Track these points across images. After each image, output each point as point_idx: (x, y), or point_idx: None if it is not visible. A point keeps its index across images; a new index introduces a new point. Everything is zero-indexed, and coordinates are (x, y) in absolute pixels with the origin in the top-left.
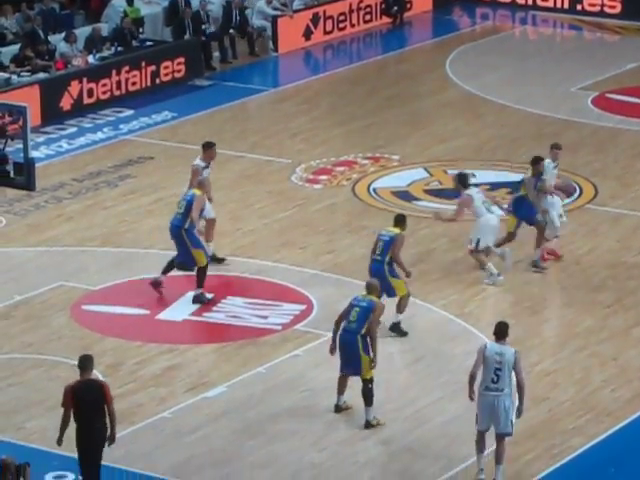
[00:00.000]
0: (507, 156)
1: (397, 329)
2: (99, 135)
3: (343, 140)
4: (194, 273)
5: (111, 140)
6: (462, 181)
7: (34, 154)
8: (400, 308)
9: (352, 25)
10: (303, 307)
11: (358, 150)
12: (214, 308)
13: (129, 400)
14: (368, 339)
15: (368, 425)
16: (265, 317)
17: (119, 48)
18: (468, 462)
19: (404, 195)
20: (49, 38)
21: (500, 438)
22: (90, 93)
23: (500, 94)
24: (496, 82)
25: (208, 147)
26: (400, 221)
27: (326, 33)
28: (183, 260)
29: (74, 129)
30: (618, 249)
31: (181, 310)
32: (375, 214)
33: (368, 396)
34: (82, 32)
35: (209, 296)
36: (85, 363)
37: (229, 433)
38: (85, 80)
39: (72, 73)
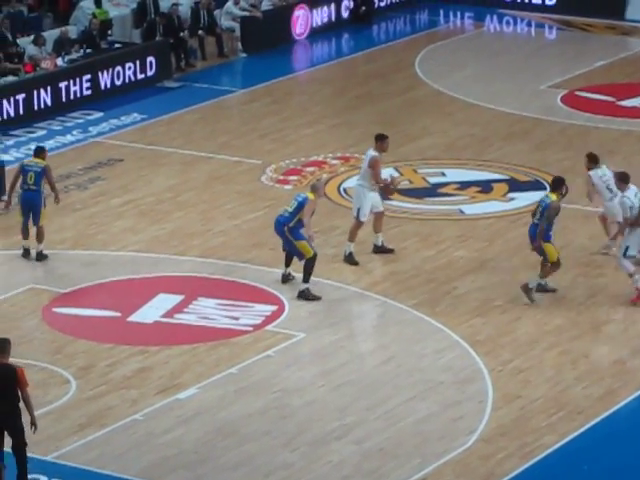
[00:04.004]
0: (477, 154)
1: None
2: (68, 138)
3: (313, 140)
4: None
5: (81, 142)
6: None
7: (3, 157)
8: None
9: (320, 25)
10: (274, 308)
11: (328, 150)
12: (185, 309)
13: (101, 402)
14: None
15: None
16: (236, 318)
17: (88, 50)
18: (441, 461)
19: None
20: (17, 41)
21: None
22: (59, 96)
23: (469, 92)
24: (465, 80)
25: (382, 139)
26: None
27: (295, 34)
28: (291, 252)
29: (43, 132)
30: (589, 246)
31: (152, 312)
32: (345, 213)
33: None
34: (50, 35)
35: (317, 295)
36: (1, 346)
37: (201, 434)
38: (54, 83)
39: (41, 76)
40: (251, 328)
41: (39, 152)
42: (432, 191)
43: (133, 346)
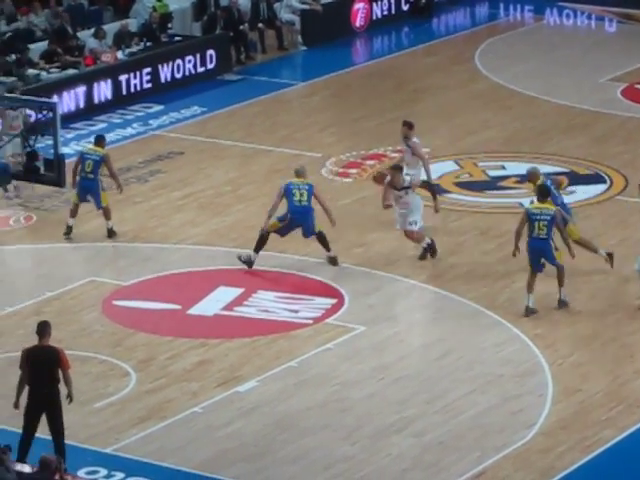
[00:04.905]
0: (536, 148)
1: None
2: (129, 131)
3: (373, 133)
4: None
5: (141, 135)
6: None
7: (64, 150)
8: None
9: (380, 18)
10: (334, 301)
11: (388, 143)
12: (245, 302)
13: (160, 395)
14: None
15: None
16: (296, 311)
17: (148, 43)
18: (500, 454)
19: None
20: (78, 34)
21: None
22: (119, 89)
23: (529, 86)
24: (525, 74)
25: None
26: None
27: (355, 26)
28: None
29: (104, 125)
30: None
31: (212, 305)
32: None
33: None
34: (111, 28)
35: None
36: (41, 329)
37: (261, 427)
38: (114, 76)
39: (101, 69)
40: (311, 321)
41: (98, 141)
42: (492, 184)
43: (193, 339)
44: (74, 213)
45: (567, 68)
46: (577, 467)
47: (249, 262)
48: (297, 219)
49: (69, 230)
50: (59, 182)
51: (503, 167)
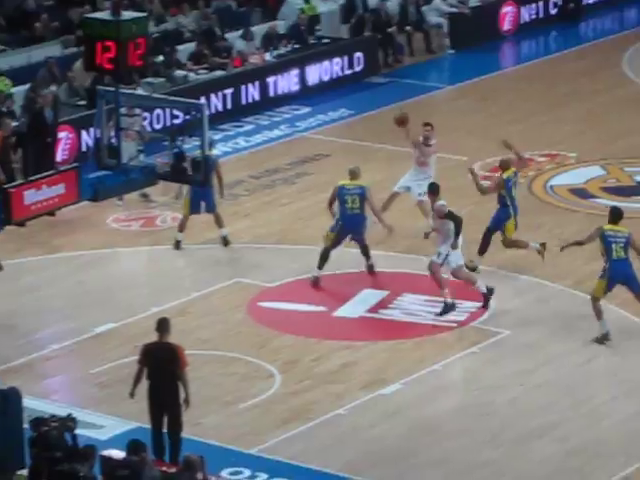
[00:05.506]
0: None
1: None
2: (276, 132)
3: (520, 137)
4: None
5: (288, 137)
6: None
7: (212, 152)
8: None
9: (528, 21)
10: (479, 304)
11: (535, 147)
12: (390, 305)
13: (305, 397)
14: None
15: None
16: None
17: (296, 45)
18: None
19: (581, 193)
20: (226, 36)
21: None
22: (267, 91)
23: None
24: None
25: None
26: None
27: (503, 30)
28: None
29: (251, 126)
30: None
31: (357, 307)
32: (551, 212)
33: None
34: (259, 29)
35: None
36: (161, 326)
37: (404, 430)
38: (262, 78)
39: (249, 71)
40: (456, 324)
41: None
42: (639, 189)
43: (338, 341)
44: (182, 227)
45: None
46: None
47: (316, 280)
48: (347, 226)
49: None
50: (205, 183)
51: None
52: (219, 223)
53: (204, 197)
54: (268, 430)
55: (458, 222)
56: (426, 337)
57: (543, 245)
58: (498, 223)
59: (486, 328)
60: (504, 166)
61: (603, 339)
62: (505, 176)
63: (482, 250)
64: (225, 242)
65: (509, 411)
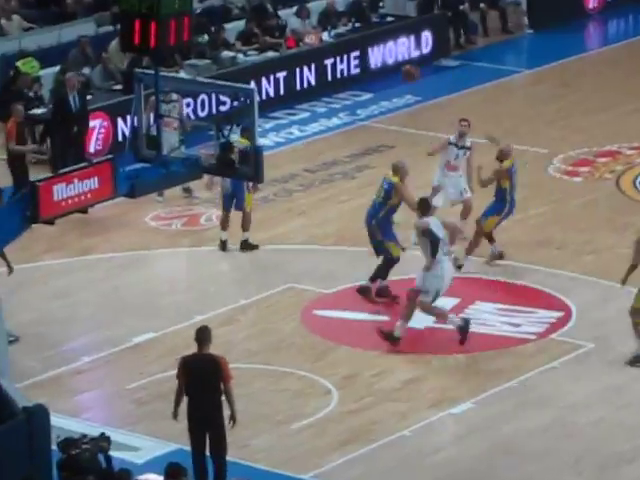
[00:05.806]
0: None
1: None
2: (334, 121)
3: (606, 127)
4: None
5: (348, 126)
6: None
7: (262, 142)
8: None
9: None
10: (560, 314)
11: (623, 139)
12: (460, 314)
13: (365, 416)
14: None
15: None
16: (518, 325)
17: (356, 24)
18: None
19: None
20: (279, 13)
21: None
22: (324, 74)
23: None
24: None
25: None
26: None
27: (588, 8)
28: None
29: (306, 114)
30: None
31: (424, 316)
32: None
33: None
34: (316, 6)
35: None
36: (201, 336)
37: (477, 452)
38: (319, 60)
39: (304, 52)
40: (534, 336)
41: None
42: None
43: (402, 354)
44: (225, 224)
45: None
46: None
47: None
48: (366, 220)
49: (223, 245)
50: (256, 177)
51: None
52: (244, 225)
53: (236, 192)
54: (324, 453)
55: (435, 243)
56: (501, 350)
57: (500, 254)
58: (487, 213)
59: (568, 340)
60: (503, 156)
61: (636, 361)
62: (506, 167)
63: (489, 239)
64: (225, 247)
65: (595, 432)
